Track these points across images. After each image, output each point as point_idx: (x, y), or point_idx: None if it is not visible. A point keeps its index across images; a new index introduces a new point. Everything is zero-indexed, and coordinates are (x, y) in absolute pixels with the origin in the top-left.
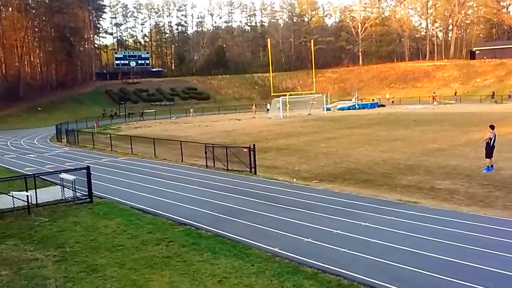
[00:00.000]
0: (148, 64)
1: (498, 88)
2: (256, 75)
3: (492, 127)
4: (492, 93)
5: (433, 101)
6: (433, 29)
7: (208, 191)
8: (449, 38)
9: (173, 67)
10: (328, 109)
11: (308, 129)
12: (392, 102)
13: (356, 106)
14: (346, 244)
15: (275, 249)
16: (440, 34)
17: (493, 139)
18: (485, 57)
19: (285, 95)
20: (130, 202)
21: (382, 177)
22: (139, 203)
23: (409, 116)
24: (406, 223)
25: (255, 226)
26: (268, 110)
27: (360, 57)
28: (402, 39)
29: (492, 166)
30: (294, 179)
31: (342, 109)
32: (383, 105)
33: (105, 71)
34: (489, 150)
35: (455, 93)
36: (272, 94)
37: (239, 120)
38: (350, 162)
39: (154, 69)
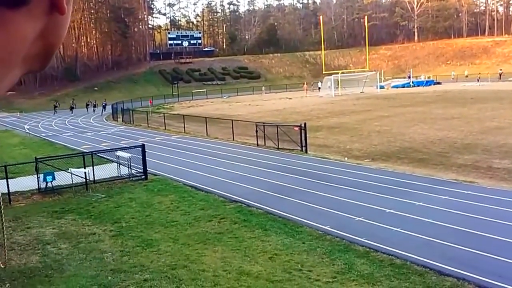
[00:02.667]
0: (200, 44)
1: None
2: (308, 53)
3: None
4: None
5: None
6: (493, 3)
7: (259, 169)
8: (510, 13)
9: (224, 46)
10: (381, 87)
11: (360, 107)
12: (478, 79)
13: (411, 83)
14: (399, 223)
15: (326, 228)
16: (500, 9)
17: None
18: None
19: (337, 73)
20: (183, 179)
21: (437, 156)
22: (191, 181)
23: (466, 94)
24: (461, 203)
25: (306, 204)
26: (319, 88)
27: (416, 33)
28: (460, 14)
29: None
30: (346, 158)
31: (396, 87)
32: (439, 83)
33: (158, 51)
34: None
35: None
36: (323, 72)
37: (290, 99)
38: (404, 140)
39: (206, 49)
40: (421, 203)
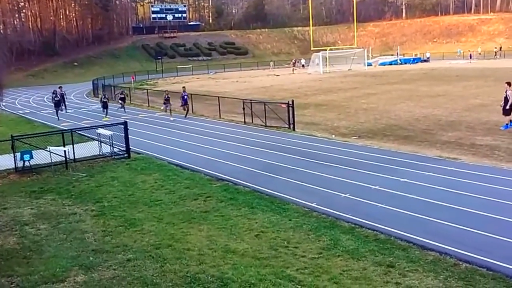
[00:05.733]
0: (185, 18)
1: None
2: (296, 29)
3: (509, 84)
4: None
5: (495, 55)
6: None
7: (246, 147)
8: None
9: (210, 20)
10: (369, 64)
11: (348, 84)
12: (496, 53)
13: (398, 61)
14: (384, 199)
15: (313, 205)
16: None
17: (510, 97)
18: None
19: (325, 49)
20: (168, 158)
21: (422, 133)
22: (177, 159)
23: (452, 72)
24: (445, 179)
25: (293, 182)
26: (303, 66)
27: (404, 10)
28: None
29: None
30: (333, 136)
31: (383, 64)
32: (426, 60)
33: (141, 25)
34: (507, 107)
35: (500, 47)
36: (311, 48)
37: (277, 75)
38: (390, 118)
39: (191, 23)
40: (405, 180)
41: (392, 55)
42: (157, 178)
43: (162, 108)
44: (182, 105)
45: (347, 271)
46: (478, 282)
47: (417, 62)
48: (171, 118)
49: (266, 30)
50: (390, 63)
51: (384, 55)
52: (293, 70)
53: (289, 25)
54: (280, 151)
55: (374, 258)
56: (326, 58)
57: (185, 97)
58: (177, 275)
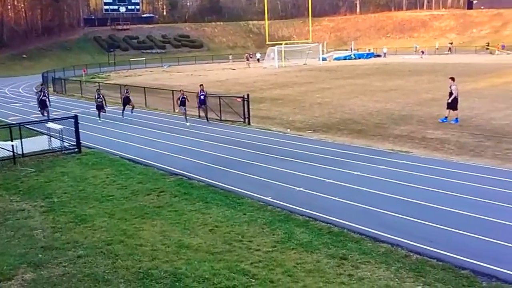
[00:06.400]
0: (138, 10)
1: (493, 39)
2: (251, 22)
3: (453, 79)
4: (487, 44)
5: (449, 50)
6: None
7: (201, 142)
8: None
9: (164, 13)
10: (324, 59)
11: (303, 79)
12: (450, 49)
13: (352, 56)
14: (338, 192)
15: (268, 199)
16: None
17: (454, 91)
18: (482, 7)
19: (281, 44)
20: (120, 152)
21: (375, 127)
22: (129, 153)
23: (404, 67)
24: (397, 172)
25: (248, 176)
26: (258, 60)
27: (358, 5)
28: None
29: (457, 118)
30: (288, 130)
31: (338, 59)
32: (379, 55)
33: (93, 17)
34: (454, 102)
35: (451, 43)
36: (267, 42)
37: (233, 69)
38: (344, 112)
39: (145, 15)
40: (358, 173)
41: (346, 50)
42: (109, 173)
43: (177, 110)
44: (198, 106)
45: (301, 264)
46: (428, 272)
47: (370, 57)
48: (187, 123)
49: (221, 23)
50: (345, 58)
51: (338, 50)
52: (247, 64)
53: (245, 19)
54: (235, 145)
55: (328, 250)
56: (282, 52)
57: (202, 96)
58: (129, 271)
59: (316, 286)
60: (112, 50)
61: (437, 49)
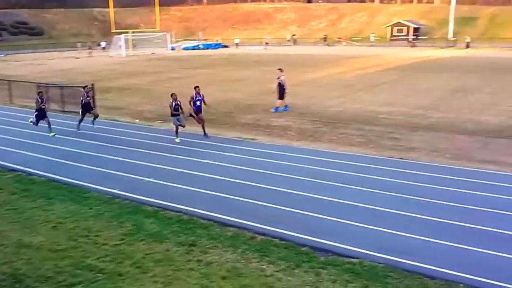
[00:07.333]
0: None
1: (330, 31)
2: (96, 9)
3: (281, 70)
4: (324, 36)
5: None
6: None
7: (41, 134)
8: None
9: None
10: (173, 49)
11: (152, 68)
12: (295, 40)
13: (200, 46)
14: (187, 181)
15: (115, 191)
16: None
17: (283, 82)
18: (320, 1)
19: (128, 32)
20: None
21: (224, 116)
22: None
23: (250, 57)
24: (243, 158)
25: (94, 169)
26: (103, 48)
27: None
28: None
29: (286, 106)
30: (137, 120)
31: (186, 48)
32: (226, 46)
33: None
34: (282, 92)
35: (293, 35)
36: (112, 30)
37: (77, 58)
38: None
39: None
40: (208, 161)
41: (195, 40)
42: None
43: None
44: (190, 114)
45: (150, 254)
46: (272, 252)
47: (218, 48)
48: (177, 140)
49: (63, 10)
50: (193, 48)
51: (187, 40)
52: (90, 53)
53: (89, 6)
54: (80, 137)
55: (177, 238)
56: (129, 41)
57: (197, 102)
58: None
59: (165, 275)
60: None
61: (288, 40)
